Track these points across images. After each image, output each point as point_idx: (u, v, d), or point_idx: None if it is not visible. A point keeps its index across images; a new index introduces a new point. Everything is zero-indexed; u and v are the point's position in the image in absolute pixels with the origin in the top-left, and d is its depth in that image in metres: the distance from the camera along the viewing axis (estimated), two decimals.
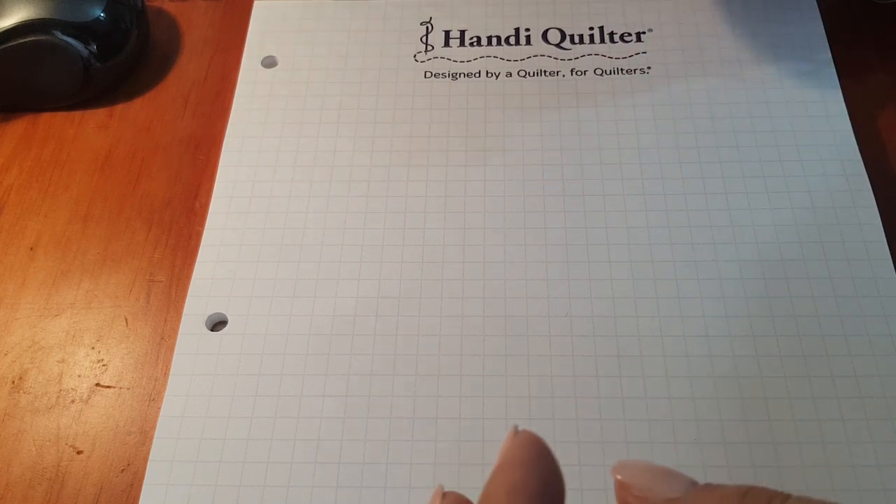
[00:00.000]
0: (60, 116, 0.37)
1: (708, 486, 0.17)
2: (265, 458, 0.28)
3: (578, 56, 0.37)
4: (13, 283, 0.33)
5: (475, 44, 0.38)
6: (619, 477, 0.17)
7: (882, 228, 0.31)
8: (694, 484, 0.17)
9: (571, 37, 0.38)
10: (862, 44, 0.38)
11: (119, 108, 0.38)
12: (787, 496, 0.16)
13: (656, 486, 0.17)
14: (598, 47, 0.37)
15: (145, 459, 0.28)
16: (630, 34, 0.38)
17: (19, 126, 0.37)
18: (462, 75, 0.37)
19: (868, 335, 0.29)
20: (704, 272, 0.31)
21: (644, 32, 0.38)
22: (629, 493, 0.17)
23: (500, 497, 0.16)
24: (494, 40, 0.38)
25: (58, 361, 0.31)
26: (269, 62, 0.38)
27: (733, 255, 0.31)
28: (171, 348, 0.30)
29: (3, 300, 0.32)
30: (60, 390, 0.30)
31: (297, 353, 0.30)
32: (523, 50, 0.38)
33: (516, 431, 0.17)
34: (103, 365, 0.31)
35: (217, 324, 0.31)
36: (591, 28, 0.38)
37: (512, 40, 0.38)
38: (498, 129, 0.35)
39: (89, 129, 0.37)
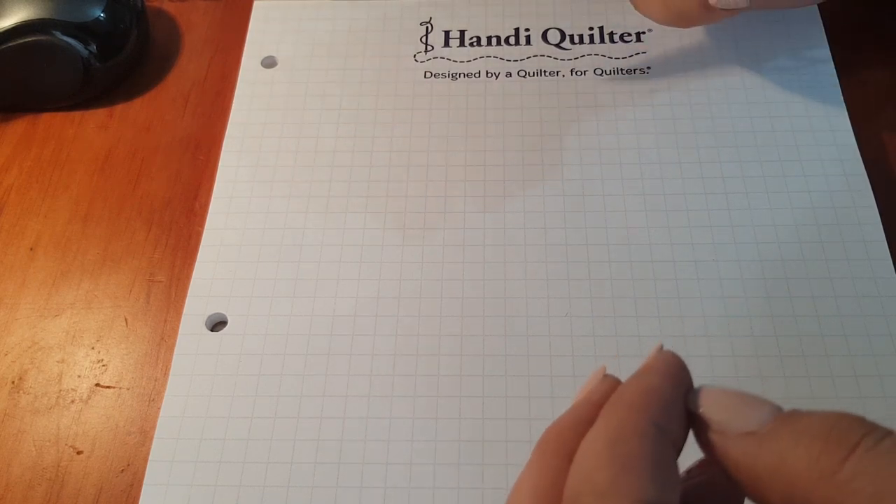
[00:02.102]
0: (60, 116, 0.37)
1: (791, 416, 0.16)
2: (265, 458, 0.28)
3: (578, 56, 0.37)
4: (13, 283, 0.33)
5: (475, 44, 0.38)
6: (700, 411, 0.17)
7: (882, 228, 0.31)
8: (778, 410, 0.16)
9: (571, 37, 0.38)
10: (862, 44, 0.38)
11: (119, 108, 0.38)
12: (887, 433, 0.14)
13: (734, 419, 0.16)
14: (598, 47, 0.37)
15: (145, 459, 0.28)
16: (630, 34, 0.38)
17: (19, 126, 0.37)
18: (462, 75, 0.37)
19: (868, 335, 0.29)
20: (704, 272, 0.31)
21: (644, 32, 0.38)
22: (707, 427, 0.17)
23: (633, 395, 0.16)
24: (494, 40, 0.38)
25: (58, 361, 0.31)
26: (269, 62, 0.38)
27: (733, 255, 0.31)
28: (171, 348, 0.30)
29: (3, 300, 0.32)
30: (60, 390, 0.30)
31: (297, 353, 0.30)
32: (523, 50, 0.38)
33: (661, 348, 0.18)
34: (103, 365, 0.31)
35: (217, 324, 0.31)
36: (591, 28, 0.38)
37: (512, 40, 0.38)
38: (498, 129, 0.35)
39: (89, 129, 0.37)
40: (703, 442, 0.17)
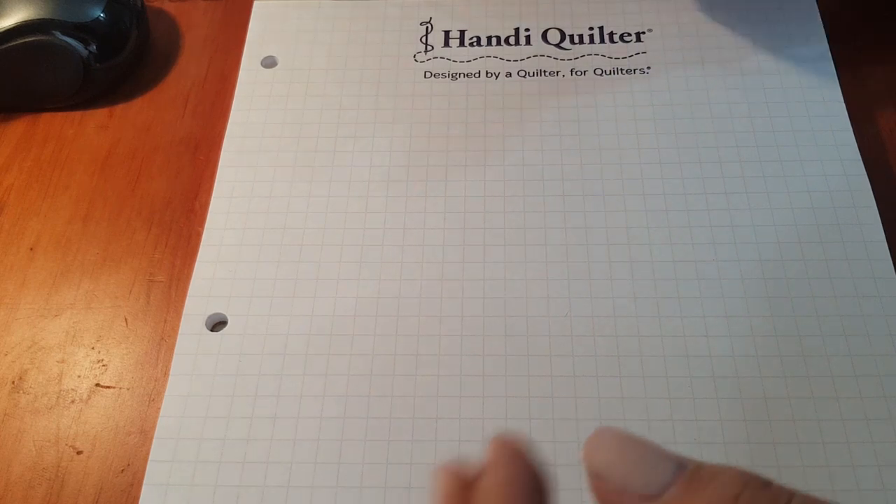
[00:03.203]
0: (60, 116, 0.37)
1: (693, 481, 0.15)
2: (265, 458, 0.28)
3: (578, 56, 0.37)
4: (13, 283, 0.33)
5: (475, 44, 0.38)
6: (590, 466, 0.16)
7: (882, 228, 0.31)
8: (680, 467, 0.15)
9: (571, 37, 0.38)
10: (862, 43, 0.38)
11: (119, 108, 0.38)
12: (791, 496, 0.14)
13: (634, 479, 0.15)
14: (598, 47, 0.37)
15: (145, 459, 0.28)
16: (630, 34, 0.38)
17: (19, 126, 0.37)
18: (462, 75, 0.37)
19: (868, 335, 0.29)
20: (704, 272, 0.31)
21: (644, 32, 0.38)
22: (602, 484, 0.15)
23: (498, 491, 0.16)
24: (494, 40, 0.38)
25: (58, 361, 0.31)
26: (269, 62, 0.38)
27: (733, 255, 0.31)
28: (171, 348, 0.30)
29: (3, 300, 0.32)
30: (60, 390, 0.30)
31: (297, 353, 0.30)
32: (523, 50, 0.38)
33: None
34: (103, 365, 0.31)
35: (217, 324, 0.31)
36: (591, 28, 0.38)
37: (512, 40, 0.38)
38: (498, 129, 0.35)
39: (89, 129, 0.37)
40: (601, 499, 0.16)
